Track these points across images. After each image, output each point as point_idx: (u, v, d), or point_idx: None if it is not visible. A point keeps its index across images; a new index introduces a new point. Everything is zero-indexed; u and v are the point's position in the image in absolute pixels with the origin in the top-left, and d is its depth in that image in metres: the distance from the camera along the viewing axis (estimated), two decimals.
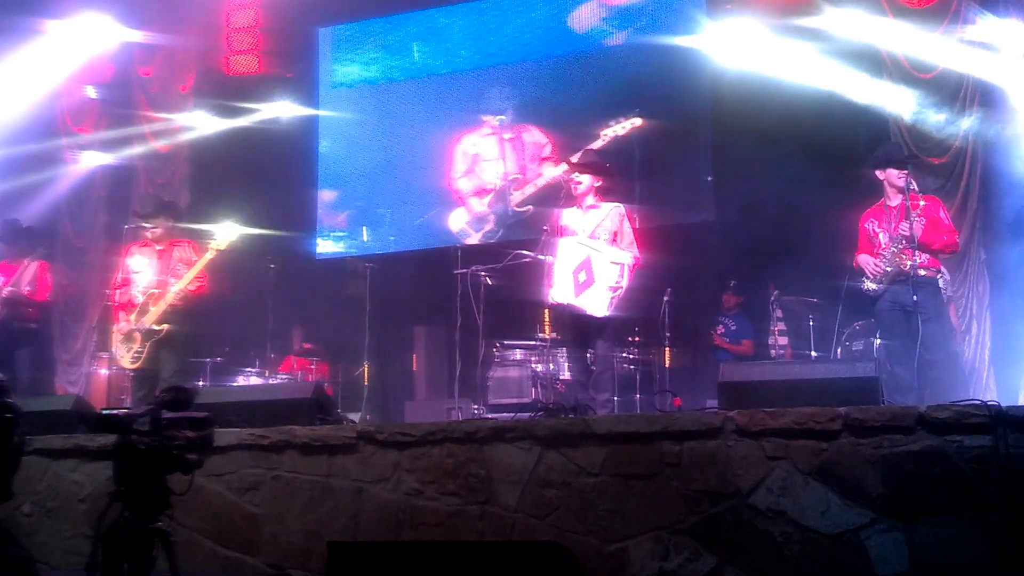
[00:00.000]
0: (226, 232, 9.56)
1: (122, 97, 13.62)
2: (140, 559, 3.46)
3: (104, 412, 3.23)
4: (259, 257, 11.74)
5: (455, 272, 9.83)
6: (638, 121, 10.79)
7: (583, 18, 12.50)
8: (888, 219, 8.40)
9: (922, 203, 8.22)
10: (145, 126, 13.42)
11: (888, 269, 8.29)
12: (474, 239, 12.25)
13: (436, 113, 13.12)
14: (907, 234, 8.13)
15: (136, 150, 13.46)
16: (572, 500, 5.85)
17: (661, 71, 11.76)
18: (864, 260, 8.48)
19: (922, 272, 8.17)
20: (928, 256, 8.26)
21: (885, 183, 8.50)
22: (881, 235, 8.43)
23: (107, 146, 13.50)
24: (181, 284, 9.32)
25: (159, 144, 13.40)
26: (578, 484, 5.85)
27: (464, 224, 12.30)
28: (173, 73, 13.61)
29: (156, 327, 9.29)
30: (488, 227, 12.21)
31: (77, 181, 13.64)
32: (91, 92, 13.64)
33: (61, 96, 13.59)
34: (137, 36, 13.19)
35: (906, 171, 8.37)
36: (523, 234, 11.48)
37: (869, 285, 8.45)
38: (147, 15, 13.18)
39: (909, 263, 8.14)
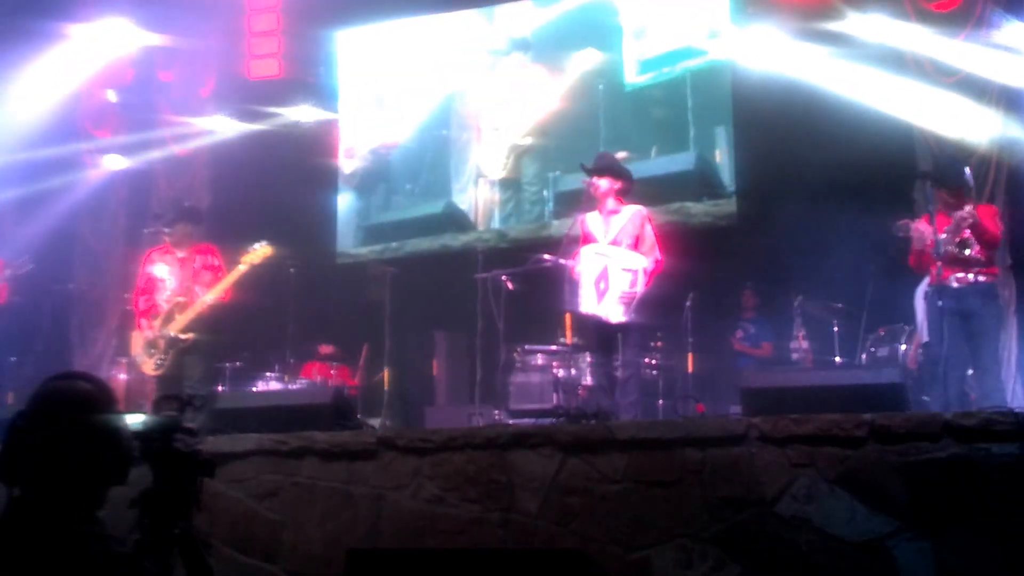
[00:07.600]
0: (260, 247, 9.58)
1: (142, 101, 13.62)
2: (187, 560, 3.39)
3: (153, 416, 3.17)
4: (279, 261, 11.71)
5: (476, 276, 9.79)
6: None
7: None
8: (938, 226, 7.98)
9: (968, 208, 7.90)
10: (165, 130, 13.43)
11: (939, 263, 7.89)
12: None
13: None
14: (951, 246, 7.82)
15: (156, 154, 13.45)
16: (594, 507, 5.80)
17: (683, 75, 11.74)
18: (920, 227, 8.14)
19: (981, 278, 7.94)
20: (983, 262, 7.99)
21: (934, 195, 8.14)
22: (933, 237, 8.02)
23: (127, 150, 13.50)
24: (212, 294, 9.33)
25: (179, 148, 13.40)
26: (600, 491, 5.81)
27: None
28: (193, 77, 13.60)
29: (182, 336, 9.28)
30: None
31: (97, 185, 13.61)
32: (111, 96, 13.64)
33: (81, 100, 13.61)
34: (157, 40, 13.20)
35: (959, 190, 8.07)
36: None
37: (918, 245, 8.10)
38: (168, 19, 13.17)
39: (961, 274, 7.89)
